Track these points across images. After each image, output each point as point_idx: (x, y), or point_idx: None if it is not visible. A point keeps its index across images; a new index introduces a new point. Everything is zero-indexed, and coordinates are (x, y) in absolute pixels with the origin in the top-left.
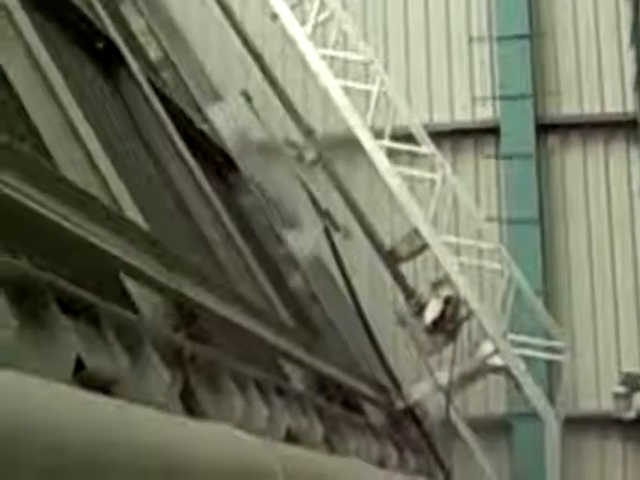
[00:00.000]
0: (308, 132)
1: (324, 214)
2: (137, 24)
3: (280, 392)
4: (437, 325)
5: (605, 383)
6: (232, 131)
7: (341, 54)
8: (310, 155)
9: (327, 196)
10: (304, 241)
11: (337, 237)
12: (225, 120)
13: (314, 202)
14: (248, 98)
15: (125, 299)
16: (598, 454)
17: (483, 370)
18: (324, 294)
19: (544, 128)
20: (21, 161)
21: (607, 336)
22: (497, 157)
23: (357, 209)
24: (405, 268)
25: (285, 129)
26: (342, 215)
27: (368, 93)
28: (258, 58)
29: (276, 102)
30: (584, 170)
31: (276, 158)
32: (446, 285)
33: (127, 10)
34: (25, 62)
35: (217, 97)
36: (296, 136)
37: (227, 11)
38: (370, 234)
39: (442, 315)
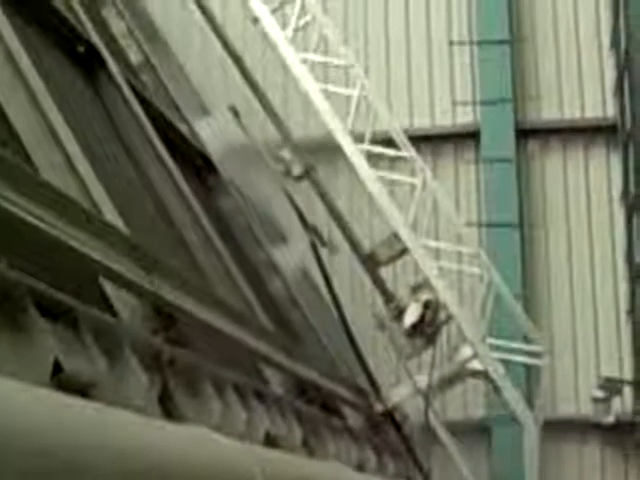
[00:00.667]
0: (295, 147)
1: (311, 229)
2: (118, 27)
3: (259, 396)
4: (416, 329)
5: (584, 387)
6: (220, 146)
7: (322, 58)
8: (297, 170)
9: (311, 204)
10: (290, 255)
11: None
12: (213, 135)
13: (301, 216)
14: (236, 113)
15: (104, 302)
16: (577, 458)
17: (462, 374)
18: (305, 299)
19: (524, 133)
20: (1, 165)
21: (586, 340)
22: (477, 162)
23: (338, 213)
24: (385, 272)
25: (266, 135)
26: (324, 221)
27: (348, 97)
28: (238, 62)
29: (256, 106)
30: (564, 175)
31: (263, 172)
32: (425, 289)
33: (108, 13)
34: (5, 66)
35: (198, 99)
36: (279, 145)
37: (208, 14)
38: (350, 238)
39: (421, 319)
